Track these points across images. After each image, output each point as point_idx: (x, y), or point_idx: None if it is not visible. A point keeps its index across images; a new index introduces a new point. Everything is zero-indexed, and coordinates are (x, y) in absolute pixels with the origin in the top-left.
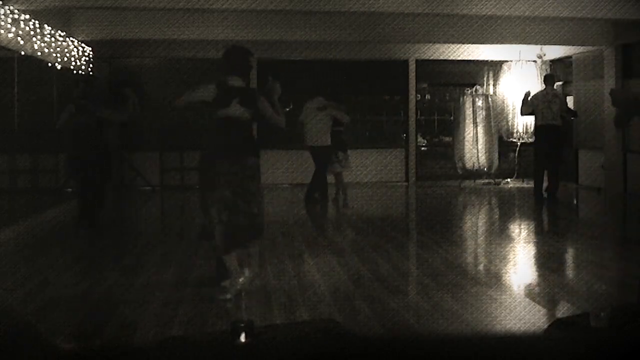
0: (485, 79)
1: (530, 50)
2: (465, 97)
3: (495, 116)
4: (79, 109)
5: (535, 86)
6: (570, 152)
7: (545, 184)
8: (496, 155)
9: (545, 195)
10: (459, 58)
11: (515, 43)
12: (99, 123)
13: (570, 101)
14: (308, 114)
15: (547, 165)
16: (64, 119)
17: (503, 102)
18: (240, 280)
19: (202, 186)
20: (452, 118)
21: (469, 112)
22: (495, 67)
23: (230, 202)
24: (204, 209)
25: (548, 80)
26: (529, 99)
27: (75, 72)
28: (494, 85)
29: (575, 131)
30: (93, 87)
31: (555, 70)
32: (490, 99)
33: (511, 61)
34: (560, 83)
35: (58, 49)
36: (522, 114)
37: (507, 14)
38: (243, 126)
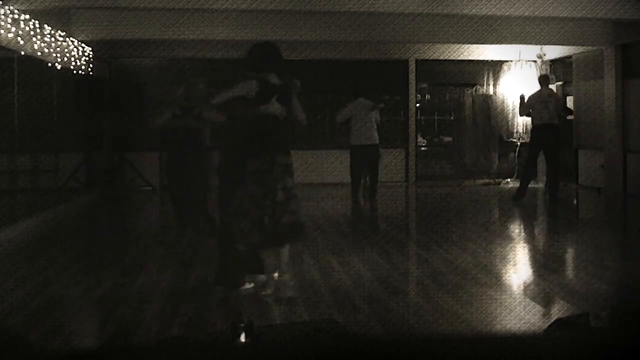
0: (485, 79)
1: (530, 50)
2: (465, 97)
3: (495, 116)
4: (181, 110)
5: (536, 86)
6: (570, 152)
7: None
8: (496, 155)
9: (547, 196)
10: (459, 58)
11: (515, 43)
12: (200, 124)
13: (570, 101)
14: (355, 114)
15: (547, 164)
16: (166, 118)
17: (503, 102)
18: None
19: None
20: (452, 118)
21: (469, 112)
22: (495, 67)
23: (262, 200)
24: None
25: (543, 80)
26: (526, 100)
27: (75, 72)
28: (494, 85)
29: (575, 131)
30: (195, 89)
31: (555, 70)
32: (490, 99)
33: (511, 61)
34: (560, 83)
35: (58, 49)
36: (521, 114)
37: (507, 14)
38: (279, 123)
